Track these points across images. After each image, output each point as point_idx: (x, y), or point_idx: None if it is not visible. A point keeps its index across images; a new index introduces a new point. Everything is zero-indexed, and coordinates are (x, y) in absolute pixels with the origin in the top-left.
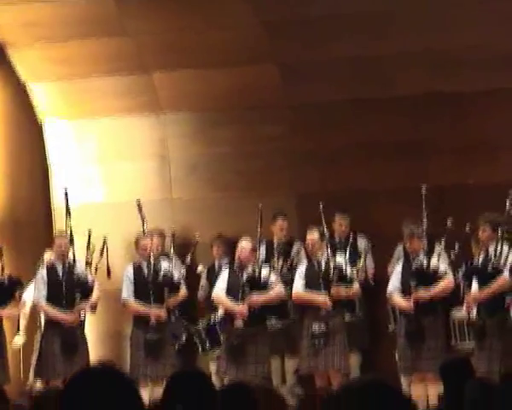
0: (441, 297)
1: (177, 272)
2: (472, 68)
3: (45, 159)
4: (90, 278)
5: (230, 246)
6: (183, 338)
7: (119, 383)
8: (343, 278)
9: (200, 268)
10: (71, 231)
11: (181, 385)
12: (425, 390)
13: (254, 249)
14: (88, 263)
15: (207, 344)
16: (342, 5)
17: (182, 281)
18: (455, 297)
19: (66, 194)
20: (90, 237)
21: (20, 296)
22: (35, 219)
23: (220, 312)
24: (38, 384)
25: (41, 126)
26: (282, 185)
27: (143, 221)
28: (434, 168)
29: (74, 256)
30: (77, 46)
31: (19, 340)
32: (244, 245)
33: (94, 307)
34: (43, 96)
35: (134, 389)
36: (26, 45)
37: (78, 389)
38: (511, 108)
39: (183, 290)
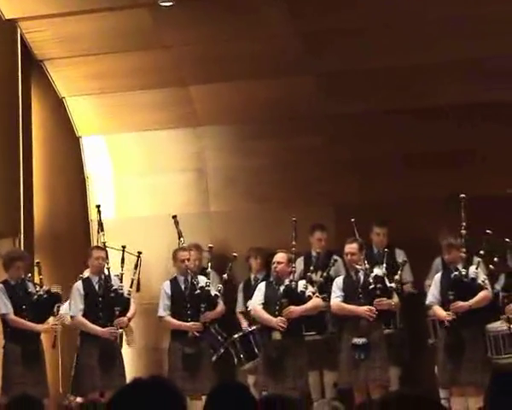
0: (479, 308)
1: (214, 288)
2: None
3: (83, 173)
4: (125, 292)
5: (267, 259)
6: (221, 351)
7: (169, 395)
8: (384, 291)
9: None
10: (104, 245)
11: (222, 398)
12: (465, 404)
13: (290, 262)
14: (122, 278)
15: (242, 356)
16: (379, 17)
17: (219, 297)
18: (491, 309)
19: (98, 210)
20: (124, 251)
21: (58, 311)
22: (73, 232)
23: (256, 324)
24: (77, 398)
25: (78, 140)
26: (320, 197)
27: (180, 236)
28: (470, 178)
29: (109, 270)
30: (113, 60)
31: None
32: (280, 258)
33: (129, 322)
34: (80, 111)
35: (184, 403)
36: (64, 60)
37: (127, 400)
38: None
39: (221, 306)
